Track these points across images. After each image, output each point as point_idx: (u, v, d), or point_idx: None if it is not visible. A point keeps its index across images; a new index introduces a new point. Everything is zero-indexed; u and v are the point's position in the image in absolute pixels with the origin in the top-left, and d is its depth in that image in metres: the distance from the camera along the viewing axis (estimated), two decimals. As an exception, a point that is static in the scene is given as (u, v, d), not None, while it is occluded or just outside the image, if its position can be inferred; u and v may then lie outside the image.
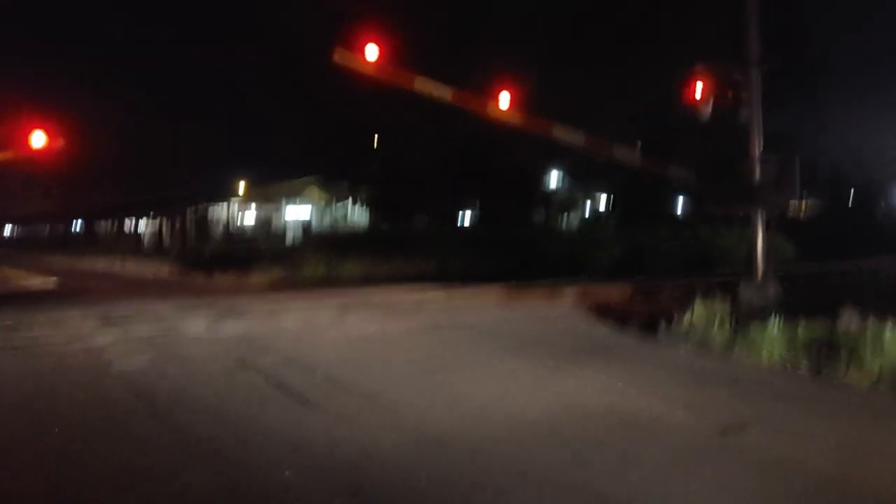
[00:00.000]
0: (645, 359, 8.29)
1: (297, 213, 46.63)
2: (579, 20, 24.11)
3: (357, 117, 27.24)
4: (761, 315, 9.39)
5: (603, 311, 11.89)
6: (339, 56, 11.20)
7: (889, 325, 7.60)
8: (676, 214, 33.80)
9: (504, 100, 13.48)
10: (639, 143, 12.35)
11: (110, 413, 6.48)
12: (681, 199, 34.76)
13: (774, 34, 15.34)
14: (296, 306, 13.15)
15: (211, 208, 45.08)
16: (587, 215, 34.18)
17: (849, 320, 7.89)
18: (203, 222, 40.35)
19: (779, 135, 15.38)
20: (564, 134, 12.44)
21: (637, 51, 23.88)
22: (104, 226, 55.79)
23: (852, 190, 41.38)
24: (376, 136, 30.41)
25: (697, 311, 9.42)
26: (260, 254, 27.26)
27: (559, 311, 12.49)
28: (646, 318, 10.29)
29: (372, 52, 11.59)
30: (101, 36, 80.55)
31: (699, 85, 10.82)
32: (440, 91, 12.11)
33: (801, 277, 16.15)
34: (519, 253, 22.33)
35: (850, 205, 40.34)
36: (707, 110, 10.96)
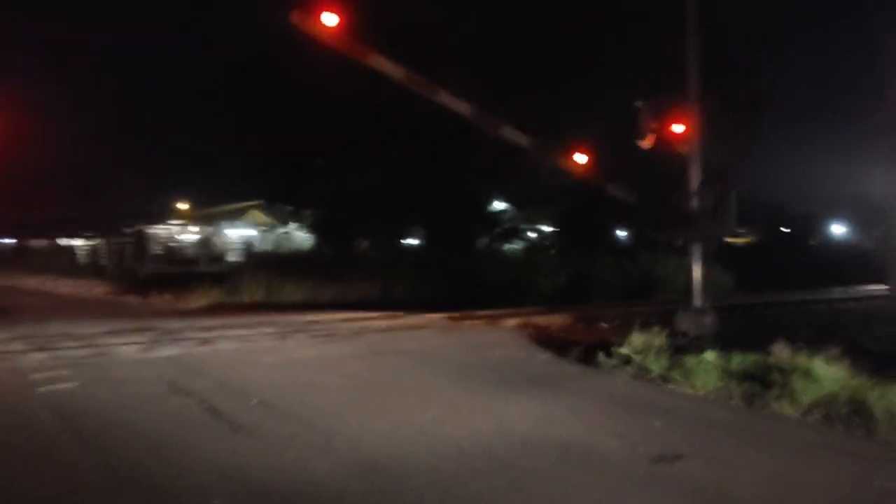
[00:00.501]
0: (583, 387, 8.32)
1: (239, 235, 46.01)
2: (525, 50, 24.43)
3: (302, 141, 27.08)
4: (698, 345, 9.57)
5: (543, 340, 11.95)
6: (298, 18, 10.95)
7: (819, 357, 7.78)
8: (617, 243, 34.36)
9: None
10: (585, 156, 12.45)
11: (35, 437, 6.23)
12: (621, 228, 35.37)
13: (715, 70, 15.83)
14: (233, 330, 12.88)
15: (150, 228, 44.10)
16: (531, 242, 34.48)
17: (781, 352, 8.05)
18: (141, 242, 39.38)
19: (717, 168, 15.78)
20: (512, 134, 12.37)
21: (581, 83, 24.29)
22: (37, 243, 54.05)
23: (788, 223, 42.69)
24: (321, 159, 30.26)
25: (635, 341, 9.51)
26: (199, 276, 26.74)
27: (499, 338, 12.49)
28: (585, 346, 10.35)
29: (330, 19, 11.25)
30: (36, 48, 78.85)
31: (642, 118, 11.05)
32: (394, 71, 11.93)
33: (737, 308, 16.56)
34: (463, 278, 22.37)
35: (785, 237, 41.59)
36: (649, 143, 11.21)
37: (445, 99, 12.09)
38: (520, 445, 6.03)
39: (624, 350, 9.38)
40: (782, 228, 42.61)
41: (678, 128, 11.12)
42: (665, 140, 11.29)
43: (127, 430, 6.46)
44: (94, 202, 46.82)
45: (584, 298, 21.77)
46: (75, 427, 6.54)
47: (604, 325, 13.86)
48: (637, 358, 8.95)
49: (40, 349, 10.61)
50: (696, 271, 10.82)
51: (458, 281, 22.11)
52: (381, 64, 11.83)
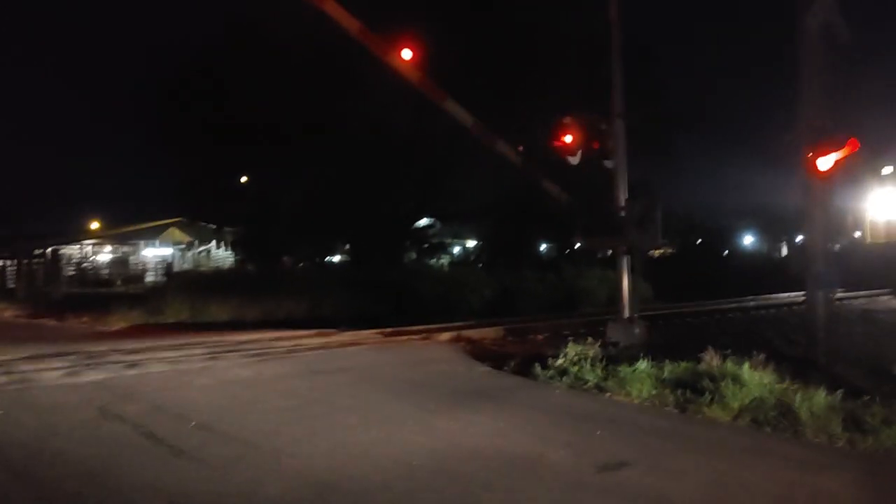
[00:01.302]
0: (522, 400, 8.45)
1: (157, 253, 44.82)
2: (455, 66, 24.66)
3: (225, 158, 26.65)
4: (629, 354, 9.84)
5: (478, 353, 12.06)
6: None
7: (745, 363, 8.13)
8: (541, 256, 34.97)
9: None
10: (520, 148, 12.73)
11: (-41, 471, 5.92)
12: (545, 242, 36.04)
13: (636, 88, 16.36)
14: (161, 352, 12.53)
15: (63, 248, 42.44)
16: (457, 258, 34.79)
17: (710, 359, 8.37)
18: (53, 262, 37.86)
19: (639, 183, 16.30)
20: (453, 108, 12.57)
21: (509, 97, 24.66)
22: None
23: (701, 234, 44.24)
24: (244, 177, 29.86)
25: (570, 352, 9.74)
26: (118, 296, 25.90)
27: (435, 353, 12.54)
28: (521, 359, 10.51)
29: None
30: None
31: (568, 135, 11.35)
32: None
33: (660, 317, 17.09)
34: (391, 294, 22.37)
35: (699, 249, 43.08)
36: (576, 157, 11.52)
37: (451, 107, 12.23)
38: (468, 459, 6.09)
39: (559, 361, 9.58)
40: (697, 240, 44.16)
41: (603, 142, 11.47)
42: (592, 154, 11.61)
43: (60, 459, 6.22)
44: (1, 222, 44.74)
45: (511, 311, 22.06)
46: (3, 459, 6.25)
47: (537, 338, 14.10)
48: (573, 369, 9.15)
49: (-45, 377, 10.08)
50: (625, 282, 11.15)
51: (387, 297, 22.09)
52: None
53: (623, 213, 11.11)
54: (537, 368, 9.52)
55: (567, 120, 11.49)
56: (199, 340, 14.23)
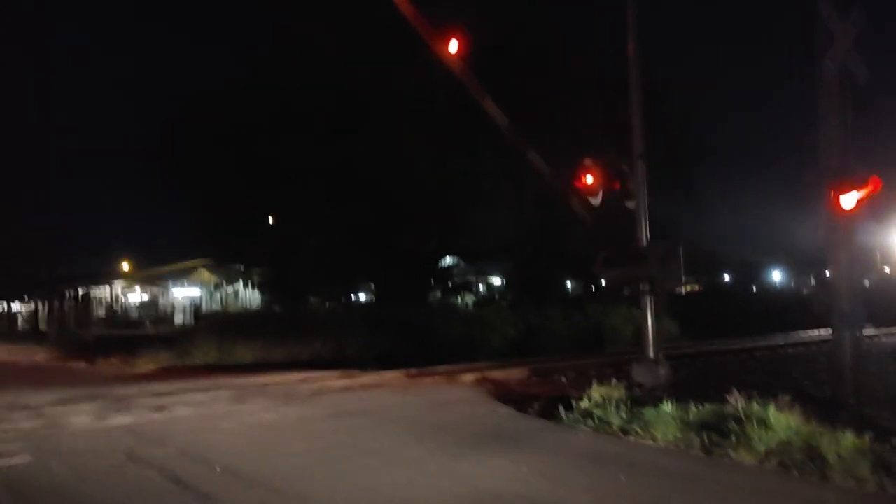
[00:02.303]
0: (546, 443, 8.42)
1: (185, 294, 45.29)
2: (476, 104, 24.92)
3: (249, 200, 27.03)
4: (654, 396, 9.75)
5: (502, 395, 12.04)
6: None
7: (771, 405, 8.04)
8: (566, 294, 34.83)
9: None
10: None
11: (-12, 517, 6.03)
12: (571, 280, 35.92)
13: (656, 126, 16.44)
14: (188, 395, 12.65)
15: (93, 290, 43.13)
16: (482, 296, 34.76)
17: (736, 401, 8.29)
18: (84, 304, 38.43)
19: (662, 221, 16.31)
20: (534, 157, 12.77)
21: (527, 139, 24.78)
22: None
23: (728, 271, 43.88)
24: (269, 217, 30.21)
25: (594, 394, 9.68)
26: (147, 337, 26.15)
27: (459, 395, 12.54)
28: (545, 401, 10.46)
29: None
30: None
31: (589, 176, 11.42)
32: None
33: (686, 357, 16.92)
34: (415, 334, 22.36)
35: (726, 285, 42.69)
36: (597, 199, 11.57)
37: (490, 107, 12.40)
38: (490, 504, 6.08)
39: (584, 404, 9.52)
40: (724, 276, 43.78)
41: (624, 183, 11.50)
42: (613, 195, 11.65)
43: (87, 504, 6.32)
44: (34, 265, 45.56)
45: (536, 351, 21.92)
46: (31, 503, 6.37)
47: (562, 379, 14.03)
48: (597, 412, 9.09)
49: (-14, 422, 10.26)
50: (649, 322, 11.07)
51: (411, 336, 22.10)
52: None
53: (645, 253, 11.09)
54: (561, 411, 9.47)
55: (588, 161, 11.56)
56: (225, 383, 14.36)
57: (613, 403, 9.28)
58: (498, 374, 14.75)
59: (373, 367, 16.16)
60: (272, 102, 24.74)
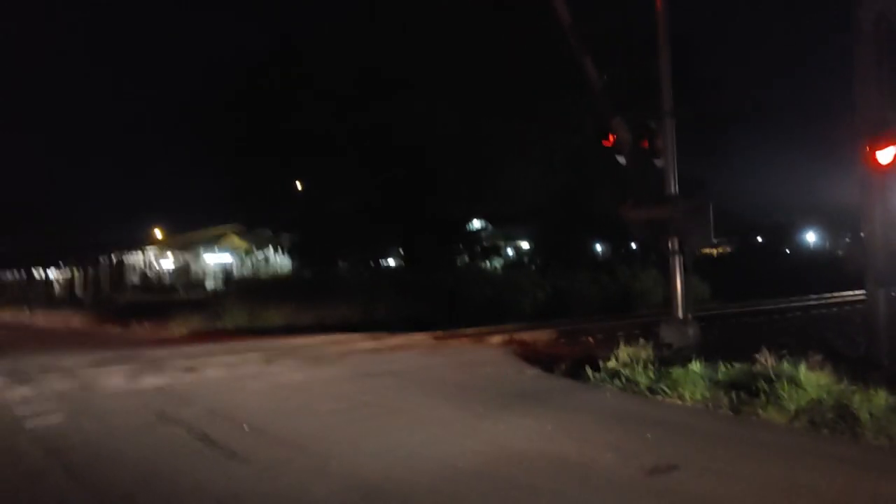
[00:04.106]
0: (572, 402, 8.38)
1: (216, 260, 45.70)
2: (499, 69, 24.68)
3: (280, 165, 27.11)
4: (682, 356, 9.65)
5: (529, 356, 12.00)
6: None
7: (802, 364, 7.91)
8: (595, 258, 34.61)
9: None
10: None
11: (23, 473, 6.15)
12: (598, 244, 35.67)
13: (685, 83, 16.08)
14: (218, 357, 12.81)
15: (126, 256, 43.69)
16: (510, 260, 34.65)
17: (765, 360, 8.17)
18: (118, 270, 39.01)
19: (691, 182, 16.02)
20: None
21: (554, 98, 24.55)
22: (10, 275, 53.25)
23: (761, 232, 43.24)
24: (298, 182, 30.29)
25: (622, 354, 9.60)
26: (179, 303, 26.52)
27: (486, 356, 12.53)
28: (572, 361, 10.41)
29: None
30: (4, 76, 78.18)
31: (617, 133, 11.21)
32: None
33: (717, 318, 16.75)
34: (444, 297, 22.39)
35: (758, 246, 42.09)
36: (624, 157, 11.37)
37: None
38: (516, 463, 6.06)
39: (611, 364, 9.46)
40: (756, 237, 43.15)
41: (652, 141, 11.27)
42: (642, 154, 11.43)
43: (117, 462, 6.41)
44: (68, 232, 46.29)
45: (564, 314, 21.87)
46: (64, 461, 6.47)
47: (589, 339, 13.96)
48: (624, 371, 9.03)
49: (24, 383, 10.49)
50: (678, 282, 10.93)
51: (439, 300, 22.13)
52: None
53: (674, 202, 10.90)
54: (588, 371, 9.42)
55: (615, 119, 11.35)
56: (255, 345, 14.52)
57: (640, 363, 9.22)
58: (526, 336, 14.72)
59: (401, 330, 16.24)
60: (306, 70, 24.69)
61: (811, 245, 49.66)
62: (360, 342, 14.51)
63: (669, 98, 11.18)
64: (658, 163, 11.36)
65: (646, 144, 11.29)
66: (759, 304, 21.86)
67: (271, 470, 5.99)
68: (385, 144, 25.02)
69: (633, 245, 34.42)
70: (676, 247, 10.99)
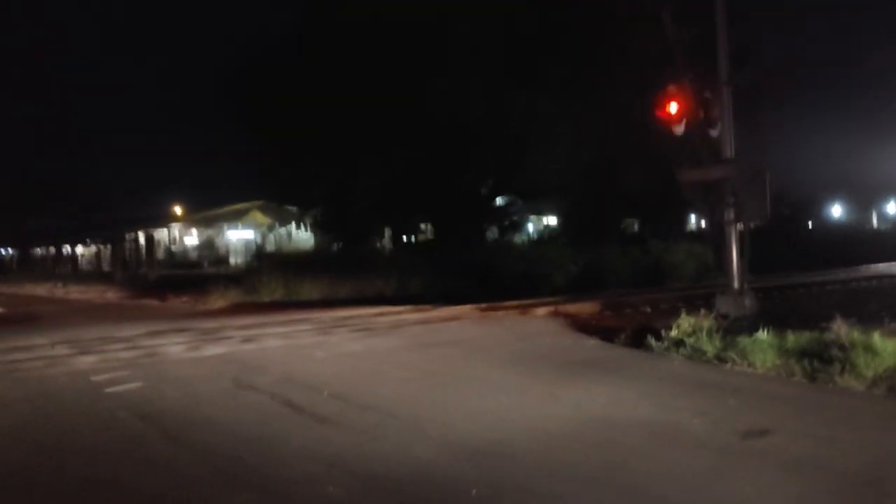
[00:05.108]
0: (642, 370, 8.44)
1: (239, 236, 45.98)
2: (533, 42, 24.54)
3: (303, 140, 27.10)
4: (741, 325, 9.67)
5: (581, 327, 12.07)
6: None
7: (875, 332, 7.93)
8: (624, 232, 34.50)
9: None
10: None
11: (122, 438, 6.27)
12: (627, 218, 35.51)
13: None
14: (270, 328, 12.95)
15: (152, 232, 44.06)
16: (539, 234, 34.65)
17: (839, 328, 8.18)
18: (148, 246, 39.33)
19: (745, 150, 15.88)
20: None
21: (586, 71, 24.41)
22: (39, 252, 53.81)
23: (786, 206, 42.89)
24: (325, 160, 30.28)
25: (683, 323, 9.63)
26: (208, 277, 26.71)
27: (537, 326, 12.60)
28: (631, 331, 10.46)
29: None
30: (26, 55, 78.35)
31: (673, 104, 11.14)
32: None
33: (760, 291, 16.66)
34: (475, 272, 22.45)
35: (784, 221, 41.76)
36: (681, 127, 11.30)
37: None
38: (605, 427, 6.13)
39: (673, 333, 9.50)
40: (783, 211, 42.80)
41: (708, 111, 11.21)
42: (696, 123, 11.37)
43: (211, 426, 6.52)
44: (95, 209, 46.67)
45: (598, 287, 21.87)
46: (159, 426, 6.59)
47: (636, 311, 14.00)
48: (690, 340, 9.07)
49: (86, 352, 10.64)
50: (734, 252, 10.92)
51: (471, 274, 22.19)
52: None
53: (731, 183, 10.86)
54: (651, 340, 9.47)
55: (671, 88, 11.27)
56: (300, 317, 14.65)
57: (705, 332, 9.24)
58: (570, 308, 14.78)
59: (441, 303, 16.32)
60: (328, 44, 24.62)
61: (838, 219, 49.30)
62: (406, 314, 14.61)
63: (726, 66, 11.10)
64: (713, 133, 11.31)
65: (701, 115, 11.23)
66: (794, 278, 21.79)
67: (368, 434, 6.08)
68: (414, 121, 24.98)
69: (660, 220, 34.37)
70: (732, 216, 10.98)
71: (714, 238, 13.95)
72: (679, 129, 11.47)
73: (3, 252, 58.16)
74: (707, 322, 9.70)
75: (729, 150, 11.16)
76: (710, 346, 8.82)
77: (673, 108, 11.29)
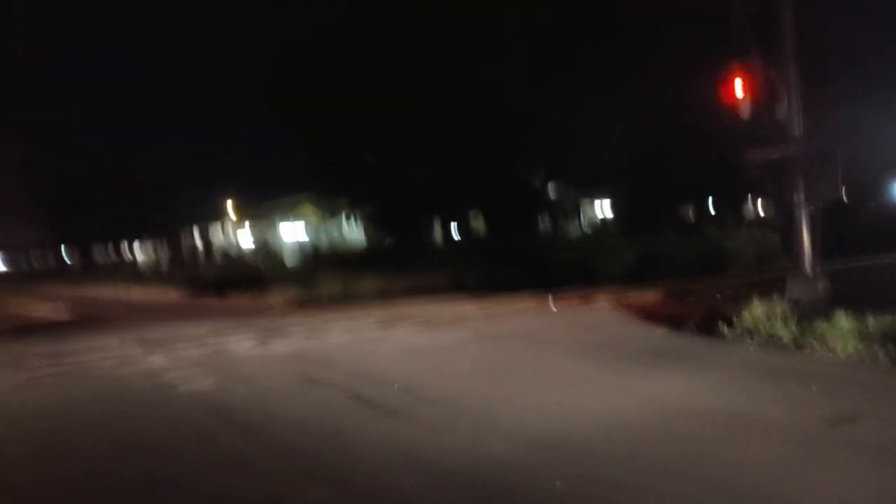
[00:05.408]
0: (716, 358, 8.24)
1: (291, 231, 46.47)
2: (574, 32, 24.26)
3: (353, 135, 27.23)
4: (815, 310, 9.36)
5: (646, 316, 11.83)
6: None
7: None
8: (682, 219, 33.90)
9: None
10: None
11: (199, 435, 6.34)
12: (681, 204, 34.89)
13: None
14: (332, 324, 13.01)
15: (206, 230, 44.83)
16: (590, 224, 34.27)
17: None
18: (205, 245, 40.06)
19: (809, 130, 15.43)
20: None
21: (636, 51, 24.02)
22: (98, 252, 55.27)
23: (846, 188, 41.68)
24: (372, 153, 30.40)
25: (756, 310, 9.35)
26: (263, 274, 27.03)
27: (600, 317, 12.42)
28: (699, 319, 10.21)
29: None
30: (83, 57, 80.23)
31: (738, 83, 10.81)
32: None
33: (834, 272, 16.18)
34: (529, 262, 22.23)
35: (843, 203, 40.58)
36: (746, 107, 10.97)
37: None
38: (682, 417, 5.97)
39: (745, 320, 9.23)
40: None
41: (771, 92, 10.86)
42: (759, 102, 11.03)
43: (284, 422, 6.56)
44: (151, 208, 47.64)
45: (654, 275, 21.44)
46: (233, 423, 6.66)
47: (700, 299, 13.68)
48: (764, 327, 8.81)
49: (156, 351, 10.83)
50: (805, 235, 10.57)
51: (525, 265, 21.99)
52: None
53: (800, 163, 10.51)
54: (723, 328, 9.22)
55: (734, 67, 10.93)
56: (360, 313, 14.68)
57: (778, 318, 8.97)
58: (631, 297, 14.52)
59: (498, 294, 16.19)
60: (374, 35, 24.67)
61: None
62: (465, 306, 14.53)
63: (792, 44, 10.74)
64: (779, 112, 10.96)
65: (768, 93, 10.89)
66: (861, 261, 21.06)
67: (440, 427, 6.04)
68: (462, 113, 24.88)
69: (716, 205, 33.69)
70: (802, 198, 10.63)
71: (780, 221, 13.53)
72: (744, 110, 11.16)
73: (67, 254, 59.89)
74: (780, 307, 9.40)
75: (797, 130, 10.80)
76: (785, 332, 8.56)
77: (738, 87, 10.97)
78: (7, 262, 71.00)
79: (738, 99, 10.80)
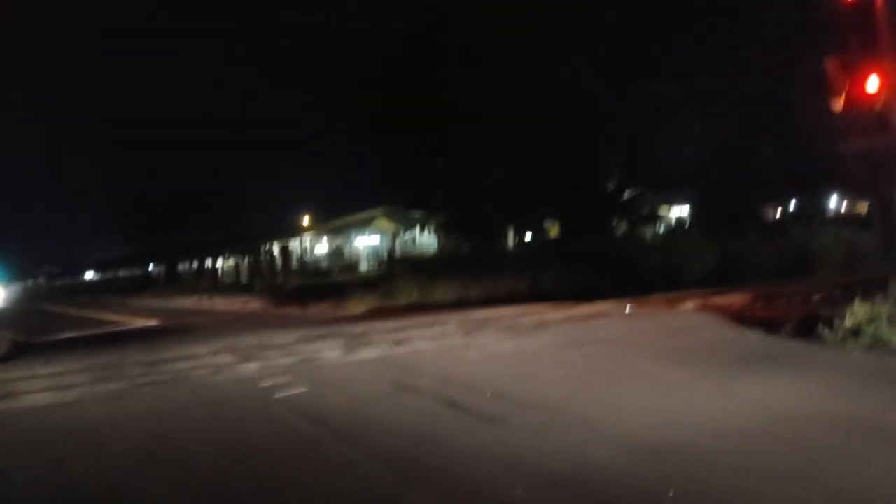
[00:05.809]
0: (819, 362, 7.93)
1: (367, 243, 47.10)
2: (653, 30, 23.89)
3: (426, 144, 27.33)
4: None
5: (737, 319, 11.48)
6: None
7: None
8: (760, 220, 32.94)
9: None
10: None
11: (298, 440, 6.43)
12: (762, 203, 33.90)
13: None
14: (415, 330, 13.05)
15: (285, 243, 45.79)
16: (669, 226, 33.64)
17: None
18: (283, 257, 40.93)
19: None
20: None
21: (715, 47, 23.56)
22: (183, 266, 57.12)
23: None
24: (446, 161, 30.45)
25: (859, 312, 8.96)
26: (342, 283, 27.44)
27: (688, 321, 12.11)
28: (794, 322, 9.86)
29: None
30: (159, 75, 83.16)
31: (831, 77, 10.42)
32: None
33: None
34: (609, 267, 21.90)
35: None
36: (840, 103, 10.56)
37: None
38: (794, 423, 5.75)
39: (847, 322, 8.86)
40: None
41: (872, 85, 10.41)
42: (856, 99, 10.60)
43: (380, 427, 6.58)
44: (231, 222, 49.05)
45: (738, 278, 20.84)
46: (330, 429, 6.71)
47: (791, 301, 13.22)
48: (868, 329, 8.43)
49: (247, 360, 11.04)
50: (908, 235, 10.14)
51: (605, 270, 21.66)
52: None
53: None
54: (824, 330, 8.86)
55: (830, 61, 10.51)
56: (441, 319, 14.70)
57: (884, 320, 8.58)
58: (718, 301, 14.13)
59: (579, 300, 15.99)
60: (454, 45, 24.74)
61: None
62: (547, 312, 14.40)
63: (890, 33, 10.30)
64: (877, 108, 10.51)
65: (863, 89, 10.45)
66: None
67: (538, 434, 5.96)
68: (537, 116, 24.72)
69: (800, 204, 32.67)
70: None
71: (879, 216, 12.99)
72: (838, 105, 10.74)
73: (152, 267, 62.11)
74: (885, 309, 8.99)
75: (896, 122, 10.34)
76: (892, 335, 8.17)
77: (834, 81, 10.57)
78: (97, 273, 74.09)
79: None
